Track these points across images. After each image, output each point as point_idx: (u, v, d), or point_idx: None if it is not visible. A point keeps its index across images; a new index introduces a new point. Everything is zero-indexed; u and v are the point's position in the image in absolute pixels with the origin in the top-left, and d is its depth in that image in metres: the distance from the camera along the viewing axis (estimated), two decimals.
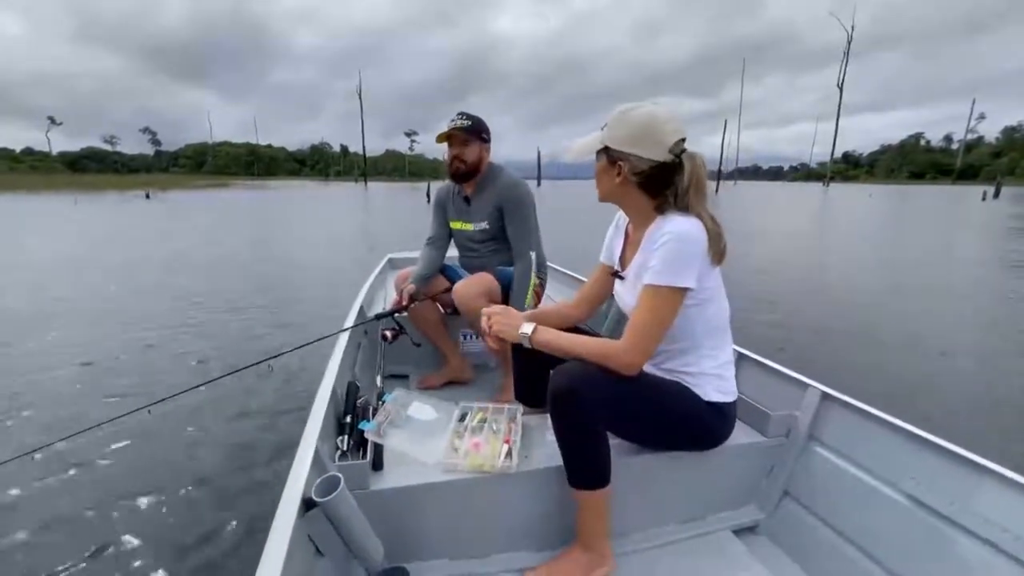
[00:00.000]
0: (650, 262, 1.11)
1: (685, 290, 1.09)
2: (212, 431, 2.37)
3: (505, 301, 1.91)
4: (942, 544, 1.07)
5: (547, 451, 1.27)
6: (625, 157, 1.14)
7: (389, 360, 1.94)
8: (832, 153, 66.42)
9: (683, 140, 1.12)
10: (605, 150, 1.18)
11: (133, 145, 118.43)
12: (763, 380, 1.56)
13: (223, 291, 5.38)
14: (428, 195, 24.79)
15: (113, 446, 2.20)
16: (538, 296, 2.12)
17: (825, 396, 1.37)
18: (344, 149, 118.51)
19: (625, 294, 1.27)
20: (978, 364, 3.45)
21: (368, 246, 8.86)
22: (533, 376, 1.50)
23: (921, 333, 4.09)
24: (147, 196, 28.49)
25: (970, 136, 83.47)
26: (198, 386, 1.74)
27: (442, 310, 2.17)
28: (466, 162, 1.97)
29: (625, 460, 1.24)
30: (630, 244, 1.30)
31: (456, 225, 2.16)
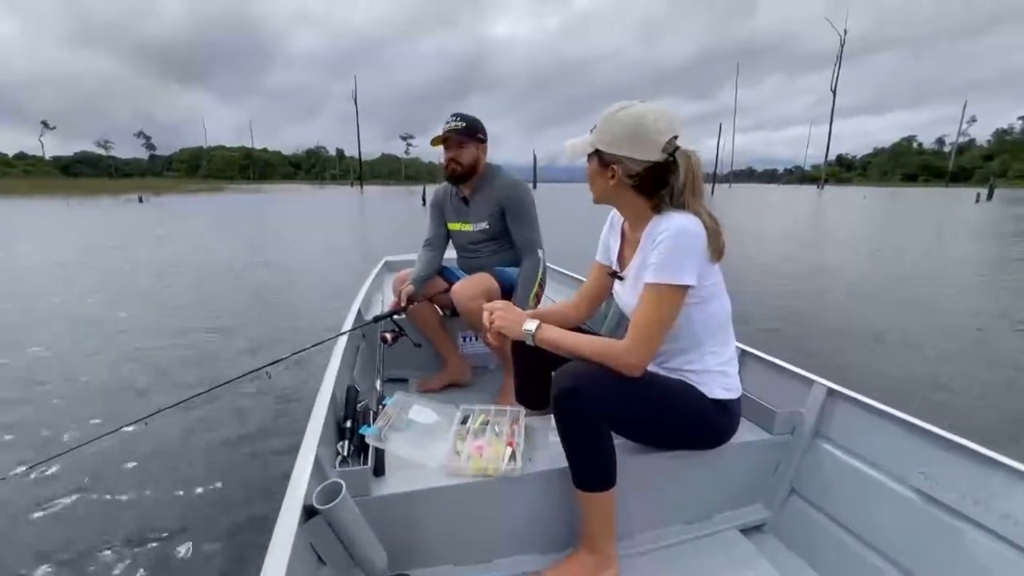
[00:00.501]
0: (649, 260, 1.09)
1: (686, 288, 1.07)
2: (209, 441, 2.33)
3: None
4: (954, 539, 1.06)
5: (550, 453, 1.25)
6: (617, 160, 1.12)
7: (388, 364, 1.92)
8: (826, 156, 67.14)
9: (676, 138, 1.10)
10: (596, 153, 1.16)
11: (127, 149, 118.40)
12: (767, 377, 1.55)
13: (215, 298, 5.31)
14: (423, 199, 24.84)
15: (109, 459, 2.16)
16: (538, 297, 2.10)
17: (831, 392, 1.36)
18: (340, 153, 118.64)
19: (625, 294, 1.26)
20: (983, 358, 3.47)
21: (362, 253, 8.81)
22: (534, 378, 1.49)
23: (924, 331, 4.11)
24: (140, 200, 28.39)
25: (962, 139, 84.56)
26: (193, 397, 1.71)
27: (441, 312, 2.15)
28: (462, 164, 1.95)
29: (629, 460, 1.22)
30: (628, 244, 1.28)
31: (455, 226, 2.14)
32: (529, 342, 1.20)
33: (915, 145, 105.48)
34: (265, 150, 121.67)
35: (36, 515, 1.81)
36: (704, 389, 1.19)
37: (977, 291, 5.80)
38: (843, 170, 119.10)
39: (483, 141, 2.00)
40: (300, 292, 5.74)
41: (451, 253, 2.25)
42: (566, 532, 1.25)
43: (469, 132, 1.93)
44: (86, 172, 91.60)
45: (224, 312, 4.72)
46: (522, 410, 1.42)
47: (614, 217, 1.34)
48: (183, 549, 1.65)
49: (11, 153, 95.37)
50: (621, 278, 1.28)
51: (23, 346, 3.66)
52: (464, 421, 1.38)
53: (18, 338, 3.84)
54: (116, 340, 3.88)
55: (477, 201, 2.04)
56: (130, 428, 1.51)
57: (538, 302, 2.09)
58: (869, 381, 3.05)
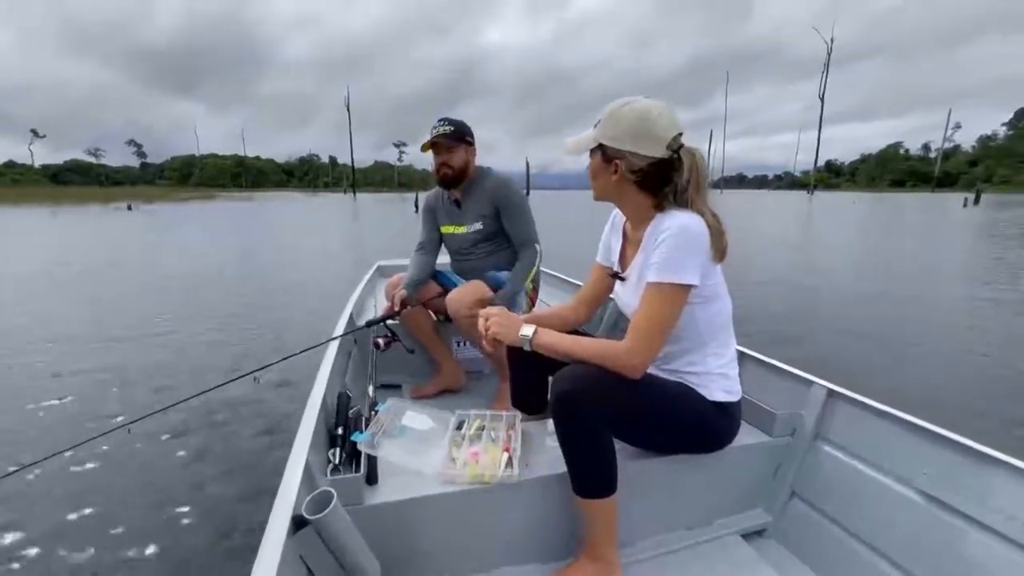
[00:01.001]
0: (652, 259, 1.07)
1: (689, 287, 1.05)
2: (195, 449, 2.28)
3: None
4: (959, 541, 1.04)
5: (548, 458, 1.23)
6: (621, 155, 1.10)
7: (381, 370, 1.88)
8: (815, 162, 68.12)
9: (680, 135, 1.09)
10: (600, 148, 1.14)
11: (118, 158, 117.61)
12: (766, 379, 1.53)
13: (201, 304, 5.24)
14: (416, 205, 24.81)
15: (89, 467, 2.09)
16: (532, 301, 2.09)
17: (831, 393, 1.35)
18: (333, 160, 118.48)
19: (626, 295, 1.24)
20: (983, 356, 3.49)
21: (355, 259, 8.76)
22: (531, 383, 1.46)
23: (925, 331, 4.13)
24: (129, 208, 28.15)
25: (947, 145, 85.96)
26: (178, 403, 1.65)
27: (434, 317, 2.13)
28: (453, 168, 1.96)
29: (629, 465, 1.20)
30: (629, 244, 1.27)
31: (448, 229, 2.13)
32: (526, 347, 1.17)
33: (902, 151, 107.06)
34: (258, 158, 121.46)
35: (10, 521, 1.75)
36: (704, 392, 1.17)
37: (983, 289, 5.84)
38: (832, 176, 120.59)
39: (471, 144, 2.01)
40: (290, 298, 5.67)
41: (443, 258, 2.23)
42: (566, 540, 1.22)
43: (457, 136, 1.94)
44: (76, 180, 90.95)
45: (210, 319, 4.64)
46: (518, 415, 1.39)
47: (615, 217, 1.33)
48: (167, 562, 1.59)
49: (0, 162, 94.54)
50: (622, 279, 1.26)
51: None
52: (459, 427, 1.34)
53: None
54: (90, 348, 3.79)
55: (469, 203, 2.03)
56: (111, 436, 1.46)
57: (532, 306, 2.07)
58: (865, 379, 3.05)
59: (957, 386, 3.06)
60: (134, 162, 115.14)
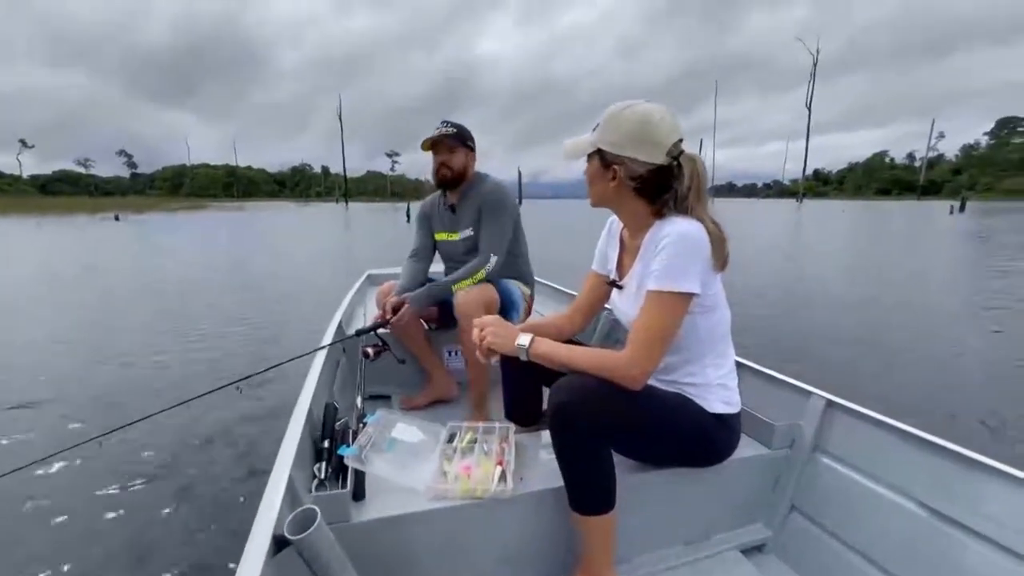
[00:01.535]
0: (652, 267, 1.04)
1: (690, 296, 1.02)
2: (172, 463, 2.19)
3: (502, 314, 1.86)
4: (960, 553, 1.03)
5: (543, 472, 1.19)
6: (620, 160, 1.08)
7: (370, 380, 1.83)
8: (804, 171, 69.22)
9: (681, 141, 1.07)
10: (598, 153, 1.11)
11: (109, 168, 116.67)
12: (764, 390, 1.51)
13: (181, 315, 5.15)
14: (408, 215, 24.76)
15: (56, 482, 2.00)
16: (528, 311, 2.05)
17: (829, 404, 1.33)
18: (325, 170, 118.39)
19: (625, 304, 1.20)
20: (982, 366, 3.49)
21: (345, 269, 8.68)
22: (525, 394, 1.43)
23: (924, 337, 4.14)
24: (116, 218, 27.87)
25: (931, 154, 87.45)
26: (152, 415, 1.56)
27: (426, 326, 2.09)
28: (453, 168, 1.93)
29: (626, 479, 1.16)
30: (627, 251, 1.24)
31: (441, 236, 2.09)
32: (523, 357, 1.13)
33: (887, 160, 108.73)
34: (249, 168, 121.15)
35: None
36: (703, 403, 1.14)
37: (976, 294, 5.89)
38: (820, 184, 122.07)
39: (472, 149, 1.99)
40: (278, 308, 5.60)
41: (436, 267, 2.19)
42: (562, 556, 1.18)
43: (459, 138, 1.93)
44: (65, 191, 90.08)
45: (190, 329, 4.55)
46: (511, 427, 1.34)
47: (612, 224, 1.30)
48: None
49: None
50: (620, 287, 1.23)
51: None
52: (451, 439, 1.30)
53: None
54: (67, 356, 3.70)
55: (463, 209, 2.00)
56: (79, 449, 1.38)
57: (527, 316, 2.04)
58: (857, 385, 3.04)
59: (947, 393, 3.05)
60: (124, 172, 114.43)
